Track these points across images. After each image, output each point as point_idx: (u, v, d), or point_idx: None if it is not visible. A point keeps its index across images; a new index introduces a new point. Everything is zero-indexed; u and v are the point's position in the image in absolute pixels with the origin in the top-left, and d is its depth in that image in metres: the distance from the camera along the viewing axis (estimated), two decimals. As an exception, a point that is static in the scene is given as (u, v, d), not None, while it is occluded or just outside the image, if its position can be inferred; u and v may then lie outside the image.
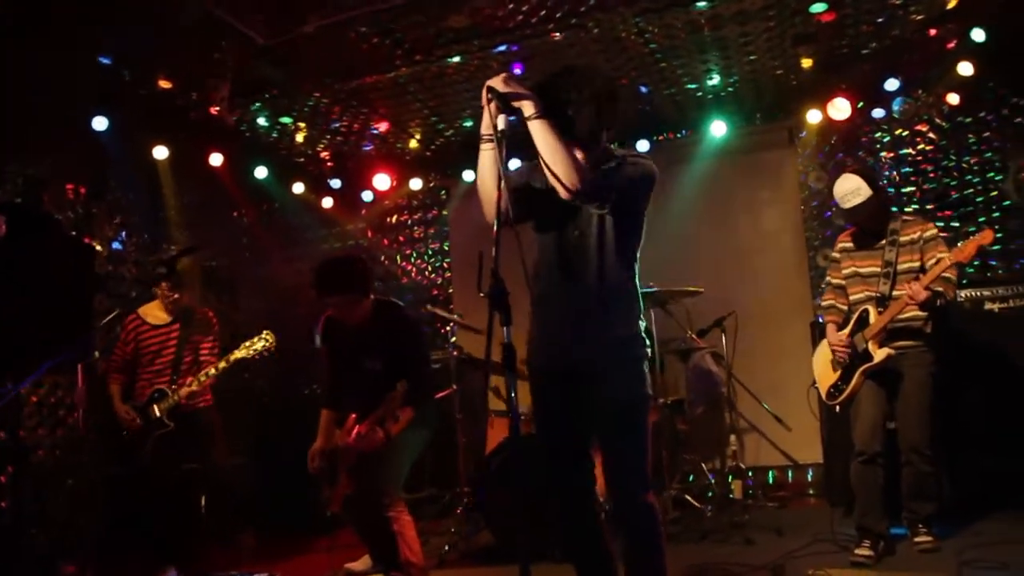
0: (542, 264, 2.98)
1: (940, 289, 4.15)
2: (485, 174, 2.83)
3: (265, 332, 5.05)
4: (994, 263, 5.96)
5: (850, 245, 4.55)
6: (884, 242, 4.39)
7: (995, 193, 6.10)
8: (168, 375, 5.19)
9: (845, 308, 4.54)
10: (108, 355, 5.33)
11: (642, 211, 2.94)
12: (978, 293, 5.49)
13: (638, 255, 2.97)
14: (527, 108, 2.75)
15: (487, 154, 2.81)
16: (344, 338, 4.20)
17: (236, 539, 5.47)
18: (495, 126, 2.69)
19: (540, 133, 2.74)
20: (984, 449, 5.18)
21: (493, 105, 2.72)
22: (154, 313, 5.29)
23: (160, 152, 6.29)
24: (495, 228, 2.59)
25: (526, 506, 4.79)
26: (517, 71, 5.77)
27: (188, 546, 5.16)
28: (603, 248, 2.87)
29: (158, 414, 5.07)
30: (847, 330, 4.45)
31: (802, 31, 5.36)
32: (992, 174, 6.12)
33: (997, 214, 6.06)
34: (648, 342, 2.96)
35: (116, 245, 6.53)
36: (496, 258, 2.53)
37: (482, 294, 2.52)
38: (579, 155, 2.78)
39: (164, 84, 5.81)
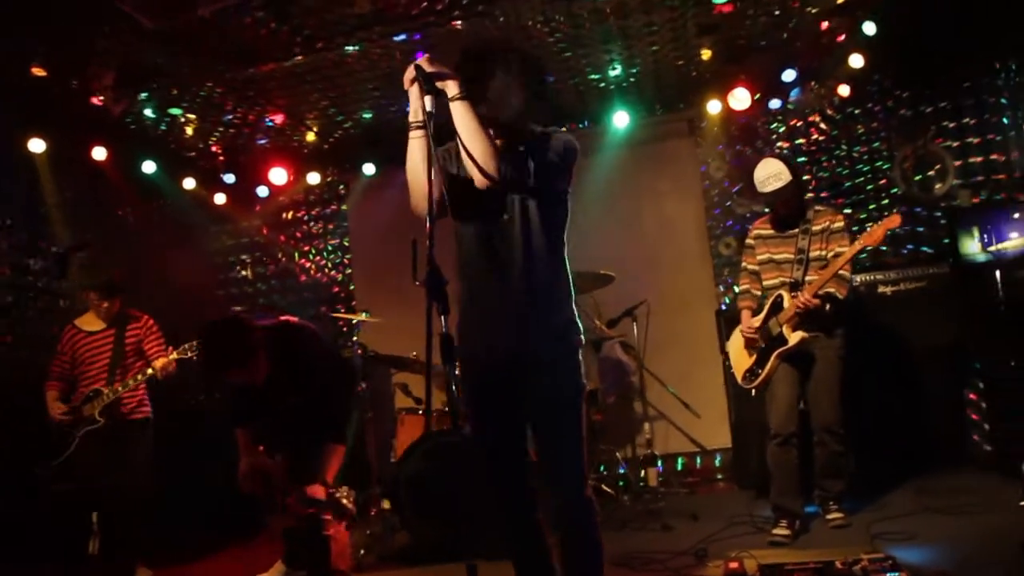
0: (467, 254, 2.85)
1: (832, 290, 4.32)
2: (416, 163, 2.70)
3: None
4: (884, 248, 6.18)
5: (765, 232, 4.65)
6: (797, 230, 4.51)
7: (883, 181, 6.37)
8: (105, 376, 5.09)
9: (759, 294, 4.64)
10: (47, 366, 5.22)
11: (565, 189, 2.87)
12: (872, 277, 5.74)
13: (566, 236, 2.87)
14: (451, 88, 2.65)
15: (417, 142, 2.69)
16: (250, 391, 3.98)
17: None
18: (423, 108, 2.58)
19: (461, 115, 2.63)
20: (881, 426, 5.41)
21: (417, 86, 2.61)
22: (91, 320, 5.22)
23: (36, 145, 5.85)
24: (427, 221, 2.44)
25: (448, 505, 4.80)
26: (420, 59, 5.64)
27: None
28: (529, 233, 2.77)
29: (89, 412, 4.99)
30: (760, 316, 4.54)
31: (705, 21, 5.44)
32: (880, 163, 6.39)
33: (886, 201, 6.33)
34: (581, 329, 2.89)
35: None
36: (431, 249, 2.40)
37: (417, 283, 2.40)
38: (498, 139, 2.71)
39: (38, 72, 5.39)
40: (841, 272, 4.31)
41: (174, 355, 4.93)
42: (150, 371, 4.97)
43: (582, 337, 2.87)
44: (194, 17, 4.85)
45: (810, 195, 6.36)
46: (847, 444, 4.57)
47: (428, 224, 2.43)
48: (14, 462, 5.24)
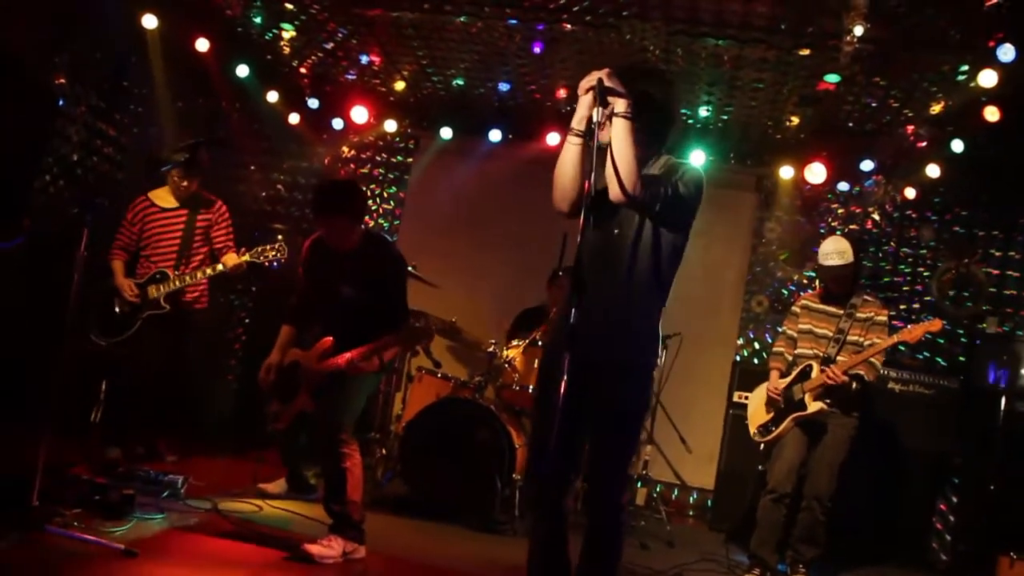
0: (581, 253, 3.06)
1: (861, 372, 4.57)
2: (567, 168, 2.90)
3: (279, 243, 5.02)
4: (902, 348, 6.49)
5: (813, 304, 4.90)
6: (842, 312, 4.76)
7: (920, 287, 6.65)
8: (173, 259, 5.18)
9: (791, 359, 4.89)
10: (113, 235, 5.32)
11: (688, 222, 3.03)
12: (884, 372, 5.99)
13: (676, 269, 3.06)
14: (619, 105, 2.82)
15: (573, 148, 2.89)
16: (327, 262, 4.18)
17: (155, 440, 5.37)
18: (591, 118, 2.76)
19: (621, 132, 2.81)
20: (856, 511, 5.69)
21: (591, 95, 2.81)
22: (164, 196, 5.28)
23: (149, 21, 5.97)
24: (581, 222, 2.62)
25: (451, 470, 5.04)
26: (537, 50, 5.85)
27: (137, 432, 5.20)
28: (637, 251, 2.95)
29: (156, 295, 5.09)
30: (788, 380, 4.80)
31: (809, 93, 5.68)
32: (922, 270, 6.67)
33: (917, 306, 6.61)
34: (660, 356, 3.10)
35: (61, 102, 6.16)
36: (580, 247, 2.60)
37: (560, 273, 2.62)
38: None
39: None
40: (873, 360, 4.58)
41: (247, 257, 5.06)
42: (220, 267, 5.09)
43: (659, 360, 3.09)
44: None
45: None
46: (828, 516, 4.83)
47: (581, 225, 2.61)
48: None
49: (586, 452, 3.06)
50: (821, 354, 4.74)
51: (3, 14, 5.39)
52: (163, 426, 5.44)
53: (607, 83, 2.79)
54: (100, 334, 5.07)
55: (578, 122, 2.88)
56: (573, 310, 2.56)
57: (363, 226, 4.16)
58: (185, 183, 5.23)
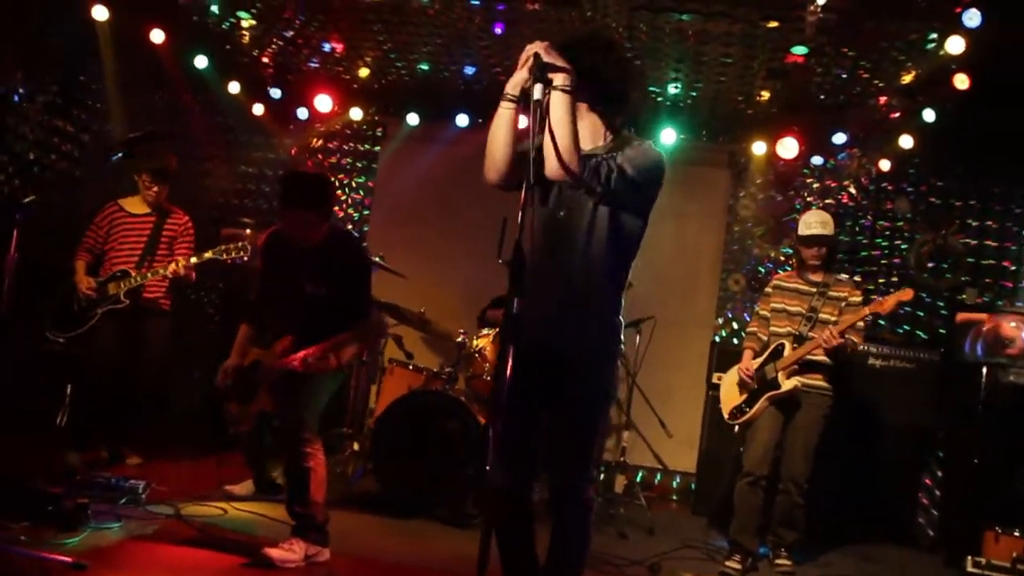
0: (522, 238, 2.91)
1: (852, 338, 4.51)
2: (499, 133, 2.76)
3: (243, 242, 4.93)
4: (882, 323, 6.41)
5: (786, 284, 4.85)
6: (815, 291, 4.72)
7: (897, 259, 6.56)
8: (136, 259, 5.19)
9: (765, 338, 4.80)
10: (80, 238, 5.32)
11: (645, 208, 2.87)
12: (864, 348, 5.90)
13: (635, 253, 2.91)
14: (559, 80, 2.69)
15: (506, 113, 2.75)
16: (288, 258, 4.03)
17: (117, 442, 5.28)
18: (531, 94, 2.59)
19: (561, 107, 2.66)
20: (839, 490, 5.63)
21: (527, 69, 2.66)
22: (134, 203, 5.33)
23: (100, 12, 5.80)
24: (522, 203, 2.48)
25: (421, 464, 4.93)
26: (498, 30, 5.71)
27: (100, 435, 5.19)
28: (592, 235, 2.81)
29: (114, 291, 5.09)
30: (760, 360, 4.72)
31: (778, 67, 5.56)
32: (899, 242, 6.58)
33: (895, 279, 6.52)
34: (621, 340, 2.98)
35: (16, 97, 6.01)
36: (520, 227, 2.47)
37: (501, 261, 2.49)
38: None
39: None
40: (859, 323, 4.53)
41: (185, 262, 5.04)
42: (172, 267, 5.03)
43: (621, 347, 2.97)
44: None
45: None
46: (807, 498, 4.74)
47: (523, 200, 2.45)
48: (28, 323, 5.25)
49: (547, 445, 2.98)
50: (794, 332, 4.66)
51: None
52: (126, 427, 5.32)
53: (545, 58, 2.65)
54: (57, 331, 5.09)
55: (512, 87, 2.72)
56: (515, 300, 2.44)
57: (328, 213, 4.00)
58: (155, 188, 5.26)
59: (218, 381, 4.05)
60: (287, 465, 3.90)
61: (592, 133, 2.87)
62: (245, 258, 4.91)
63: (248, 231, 6.26)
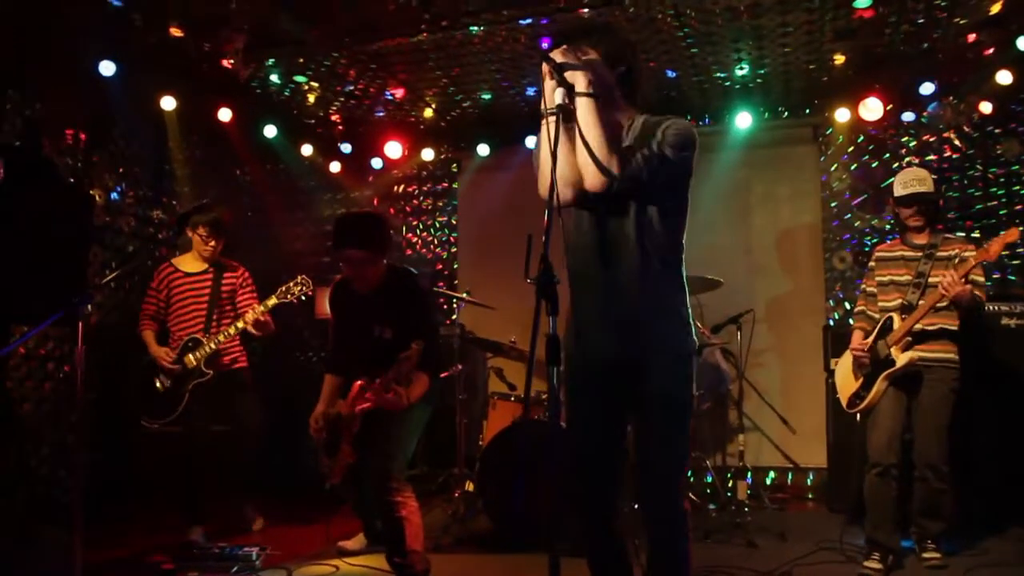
0: (578, 248, 2.80)
1: (975, 291, 4.12)
2: (544, 149, 2.64)
3: (300, 276, 4.91)
4: (1013, 279, 5.87)
5: (889, 254, 4.49)
6: (921, 254, 4.34)
7: (1019, 207, 6.00)
8: (202, 323, 5.10)
9: (875, 316, 4.45)
10: (140, 304, 5.29)
11: (687, 183, 2.73)
12: (995, 308, 5.38)
13: (684, 236, 2.76)
14: (579, 82, 2.59)
15: (550, 127, 2.64)
16: (353, 304, 4.07)
17: (242, 508, 5.38)
18: (554, 100, 2.52)
19: (587, 114, 2.58)
20: (992, 468, 5.12)
21: (551, 77, 2.58)
22: (188, 261, 5.24)
23: (168, 103, 6.06)
24: (546, 214, 2.38)
25: (533, 496, 4.80)
26: (545, 45, 5.59)
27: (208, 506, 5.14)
28: (643, 232, 2.67)
29: (194, 362, 5.01)
30: (871, 338, 4.37)
31: (843, 26, 5.21)
32: (1017, 187, 6.02)
33: (1020, 227, 5.93)
34: (695, 337, 2.80)
35: (114, 196, 6.32)
36: (546, 242, 2.35)
37: (529, 280, 2.36)
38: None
39: (176, 32, 5.57)
40: (974, 276, 4.11)
41: (260, 308, 4.96)
42: (241, 324, 4.98)
43: (695, 344, 2.79)
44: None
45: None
46: (950, 482, 4.33)
47: (547, 218, 2.36)
48: (123, 412, 5.44)
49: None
50: (902, 301, 4.29)
51: (41, 126, 5.59)
52: (245, 493, 5.41)
53: (559, 59, 2.58)
54: (149, 417, 4.99)
55: (546, 102, 2.62)
56: (552, 319, 2.30)
57: (385, 261, 4.01)
58: (212, 242, 5.14)
59: (313, 433, 4.08)
60: (381, 517, 3.86)
61: (623, 119, 2.75)
62: (309, 292, 4.89)
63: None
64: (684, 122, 2.72)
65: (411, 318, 3.94)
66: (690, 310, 2.77)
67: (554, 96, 2.52)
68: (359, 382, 3.94)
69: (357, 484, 4.22)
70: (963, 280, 4.02)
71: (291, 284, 4.92)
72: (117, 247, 6.30)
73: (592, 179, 2.61)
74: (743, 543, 4.78)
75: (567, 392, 2.86)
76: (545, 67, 2.60)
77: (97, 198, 6.06)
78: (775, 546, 4.77)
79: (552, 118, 2.55)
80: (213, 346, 5.00)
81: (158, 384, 5.03)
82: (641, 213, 2.69)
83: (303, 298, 5.01)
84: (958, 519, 4.70)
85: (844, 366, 4.57)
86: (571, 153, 2.67)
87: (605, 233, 2.71)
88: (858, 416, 4.46)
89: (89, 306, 5.50)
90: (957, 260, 4.21)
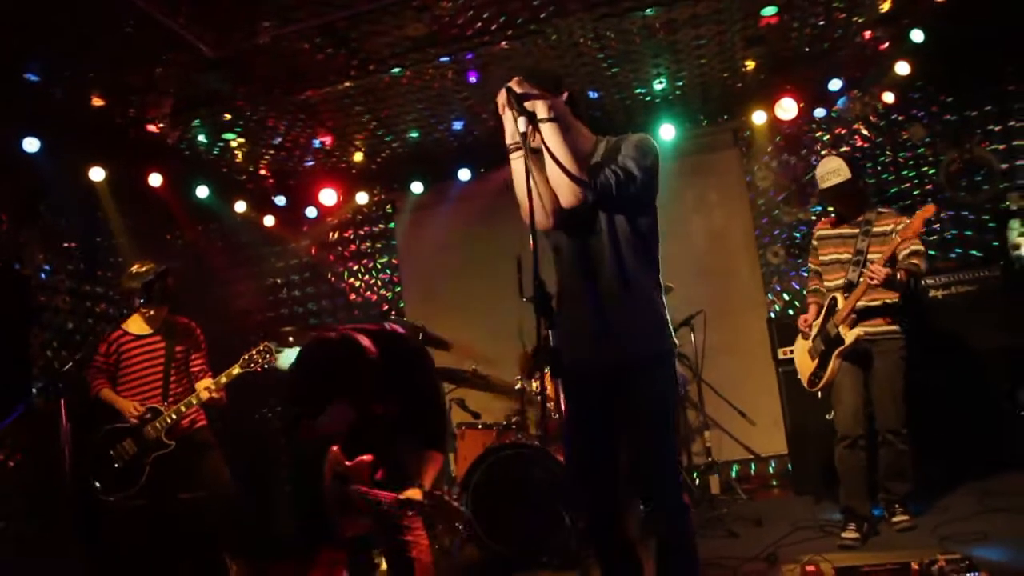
0: (562, 264, 2.94)
1: (913, 261, 4.31)
2: (522, 182, 2.73)
3: (263, 343, 4.82)
4: (933, 253, 6.23)
5: (827, 232, 4.72)
6: (858, 231, 4.55)
7: (929, 186, 6.40)
8: (159, 393, 4.93)
9: (826, 292, 4.67)
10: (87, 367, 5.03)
11: (654, 197, 2.91)
12: (923, 282, 5.72)
13: (658, 243, 2.94)
14: (540, 110, 2.74)
15: (518, 163, 2.76)
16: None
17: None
18: (518, 130, 2.65)
19: (552, 137, 2.74)
20: (938, 429, 5.39)
21: (510, 109, 2.70)
22: (138, 323, 5.06)
23: (97, 174, 5.97)
24: (531, 237, 2.47)
25: (515, 518, 4.86)
26: (472, 79, 5.75)
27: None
28: (616, 242, 2.83)
29: (154, 434, 4.82)
30: (820, 318, 4.59)
31: (752, 33, 5.51)
32: (926, 168, 6.42)
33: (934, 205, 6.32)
34: (673, 337, 2.94)
35: (43, 275, 6.19)
36: (535, 264, 2.45)
37: (525, 299, 2.47)
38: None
39: (98, 102, 5.52)
40: (913, 247, 4.31)
41: (223, 378, 4.85)
42: (203, 394, 4.84)
43: (675, 344, 2.93)
44: (253, 44, 4.97)
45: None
46: (910, 444, 4.56)
47: (532, 241, 2.48)
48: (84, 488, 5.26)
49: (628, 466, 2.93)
50: (844, 280, 4.52)
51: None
52: (231, 552, 5.28)
53: (518, 90, 2.71)
54: (106, 489, 4.75)
55: (510, 136, 2.79)
56: (551, 332, 2.41)
57: (375, 348, 3.64)
58: (152, 312, 5.01)
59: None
60: (389, 559, 3.79)
61: (584, 140, 2.92)
62: (273, 361, 4.78)
63: (291, 338, 6.21)
64: (643, 135, 2.91)
65: (417, 391, 3.68)
66: (666, 309, 2.92)
67: (517, 125, 2.65)
68: (367, 457, 3.62)
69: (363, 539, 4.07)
70: (886, 264, 4.22)
71: (253, 352, 4.81)
72: (56, 327, 6.16)
73: (567, 196, 2.75)
74: (725, 534, 4.95)
75: (564, 403, 2.97)
76: (501, 100, 2.72)
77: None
78: (754, 533, 4.95)
79: (518, 151, 2.71)
80: (174, 416, 4.84)
81: (114, 456, 4.81)
82: (613, 225, 2.84)
83: (266, 367, 4.84)
84: (918, 482, 4.94)
85: (800, 349, 4.79)
86: (543, 183, 2.80)
87: (583, 248, 2.86)
88: (819, 394, 4.66)
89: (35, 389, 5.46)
90: (894, 235, 4.37)
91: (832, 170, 4.57)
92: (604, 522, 2.95)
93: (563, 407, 2.83)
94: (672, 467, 2.88)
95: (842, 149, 6.55)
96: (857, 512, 4.45)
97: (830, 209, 4.88)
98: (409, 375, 3.67)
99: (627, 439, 2.90)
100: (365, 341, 3.62)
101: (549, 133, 2.74)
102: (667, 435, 2.86)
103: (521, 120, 2.65)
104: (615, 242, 2.84)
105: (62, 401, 3.24)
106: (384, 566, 4.14)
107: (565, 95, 2.89)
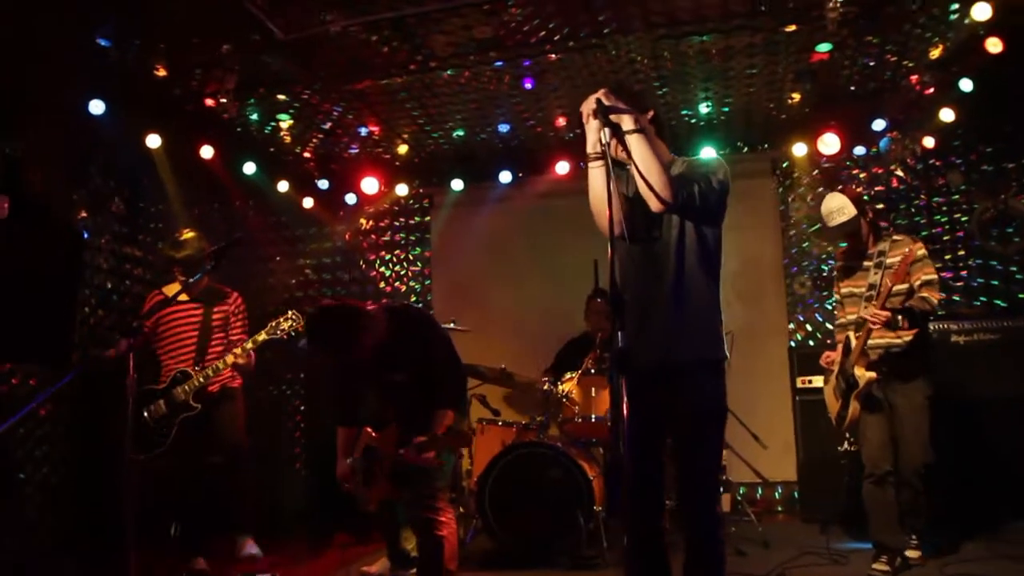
0: (627, 273, 3.04)
1: (925, 294, 4.29)
2: (597, 191, 2.90)
3: (291, 311, 4.92)
4: (957, 299, 6.35)
5: (845, 264, 4.72)
6: (871, 264, 4.52)
7: (960, 233, 6.51)
8: (192, 355, 5.02)
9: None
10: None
11: (723, 213, 3.04)
12: (945, 326, 5.81)
13: (721, 259, 3.06)
14: (626, 123, 2.87)
15: (598, 171, 2.90)
16: (358, 363, 4.00)
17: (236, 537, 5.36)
18: (601, 140, 2.75)
19: (638, 147, 2.86)
20: (952, 474, 5.47)
21: (595, 120, 2.81)
22: (176, 289, 5.01)
23: (153, 140, 6.11)
24: (610, 245, 2.58)
25: (531, 514, 4.99)
26: (528, 85, 5.88)
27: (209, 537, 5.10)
28: (683, 251, 2.97)
29: (183, 396, 4.91)
30: (839, 355, 4.57)
31: (804, 68, 5.64)
32: (959, 215, 6.53)
33: (962, 252, 6.47)
34: (727, 349, 3.07)
35: (86, 235, 6.32)
36: (612, 269, 2.55)
37: (599, 301, 2.60)
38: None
39: (161, 72, 5.65)
40: (923, 293, 4.28)
41: (249, 344, 4.91)
42: (231, 360, 4.91)
43: (727, 355, 3.05)
44: (324, 31, 5.11)
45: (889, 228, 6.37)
46: (926, 483, 4.54)
47: (610, 247, 2.59)
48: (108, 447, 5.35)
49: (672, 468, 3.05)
50: (856, 317, 4.49)
51: (23, 165, 5.58)
52: (240, 522, 5.40)
53: (606, 103, 2.82)
54: (136, 449, 4.81)
55: (592, 146, 2.91)
56: (620, 333, 2.53)
57: (381, 316, 3.97)
58: (191, 281, 4.98)
59: (344, 489, 4.14)
60: (419, 538, 3.95)
61: (665, 156, 3.05)
62: (300, 328, 4.86)
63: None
64: (715, 155, 3.06)
65: (429, 357, 3.94)
66: (723, 325, 3.04)
67: (601, 135, 2.76)
68: (394, 426, 3.97)
69: (394, 505, 4.24)
70: (883, 307, 4.21)
71: (280, 320, 4.91)
72: (96, 284, 6.30)
73: (654, 203, 2.87)
74: (732, 552, 5.04)
75: (612, 402, 3.09)
76: (587, 109, 2.84)
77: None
78: (761, 553, 5.06)
79: (599, 161, 2.84)
80: (202, 380, 4.92)
81: (147, 416, 4.93)
82: (682, 236, 2.98)
83: (292, 334, 4.95)
84: (933, 520, 5.03)
85: (828, 388, 4.73)
86: (617, 194, 2.93)
87: (650, 255, 3.00)
88: (847, 434, 4.69)
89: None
90: (910, 264, 4.30)
91: (836, 208, 4.51)
92: (646, 520, 3.01)
93: (624, 407, 2.95)
94: (714, 477, 3.01)
95: (877, 188, 6.67)
96: (888, 545, 4.43)
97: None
98: (421, 343, 3.95)
99: (679, 446, 3.02)
100: (371, 307, 3.97)
101: (636, 143, 2.86)
102: (713, 443, 3.00)
103: (605, 131, 2.76)
104: (682, 252, 2.97)
105: (131, 355, 3.34)
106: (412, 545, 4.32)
107: (651, 114, 3.03)
